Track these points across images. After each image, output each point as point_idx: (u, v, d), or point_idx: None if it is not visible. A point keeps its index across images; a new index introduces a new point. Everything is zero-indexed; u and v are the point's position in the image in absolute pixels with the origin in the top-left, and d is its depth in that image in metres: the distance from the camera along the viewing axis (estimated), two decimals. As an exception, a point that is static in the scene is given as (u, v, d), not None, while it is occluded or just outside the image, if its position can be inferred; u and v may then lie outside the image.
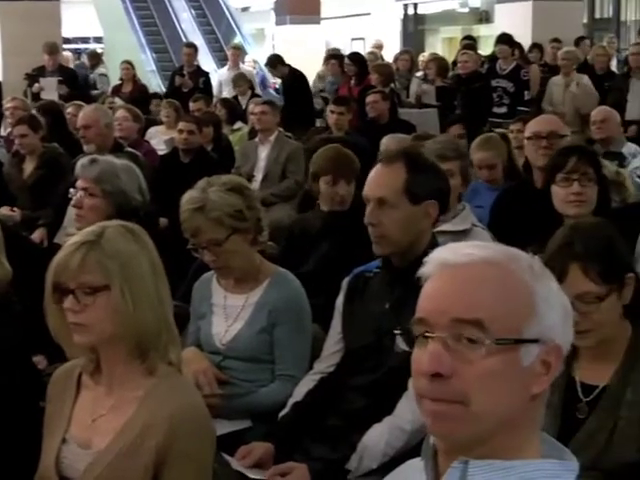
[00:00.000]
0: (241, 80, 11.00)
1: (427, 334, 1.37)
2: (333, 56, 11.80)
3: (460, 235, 3.80)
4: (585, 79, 9.49)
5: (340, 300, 3.05)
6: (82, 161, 3.94)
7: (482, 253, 1.40)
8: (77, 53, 19.02)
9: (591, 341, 2.38)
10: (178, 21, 19.78)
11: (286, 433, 2.92)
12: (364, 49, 15.17)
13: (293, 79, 11.15)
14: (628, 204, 4.55)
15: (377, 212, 2.83)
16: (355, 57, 10.75)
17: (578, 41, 11.95)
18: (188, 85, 11.04)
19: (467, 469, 1.36)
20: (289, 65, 11.11)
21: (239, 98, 10.69)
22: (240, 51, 13.31)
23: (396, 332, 1.40)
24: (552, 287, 1.40)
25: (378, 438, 2.72)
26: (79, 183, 3.81)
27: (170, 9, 20.01)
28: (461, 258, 1.39)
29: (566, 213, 3.49)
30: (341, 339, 3.02)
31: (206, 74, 11.90)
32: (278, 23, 18.48)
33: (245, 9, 23.40)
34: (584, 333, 2.35)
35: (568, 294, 2.22)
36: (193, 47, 11.93)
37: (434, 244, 2.76)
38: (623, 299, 2.39)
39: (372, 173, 2.93)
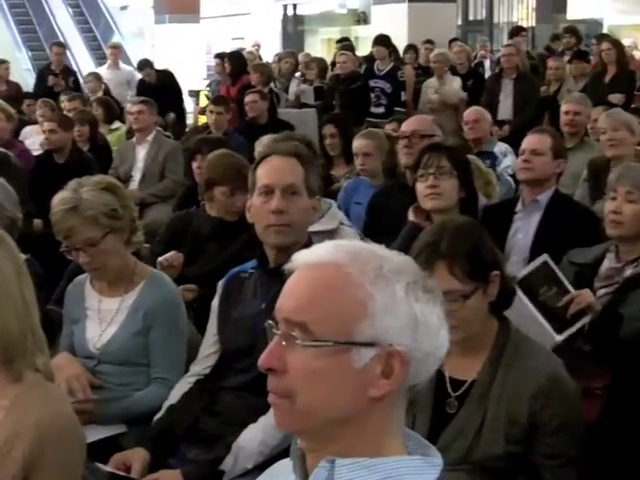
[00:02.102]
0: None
1: (273, 330, 1.42)
2: (219, 55, 11.77)
3: (329, 234, 3.84)
4: (457, 81, 9.69)
5: (216, 302, 3.04)
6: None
7: (328, 255, 1.41)
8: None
9: (456, 337, 2.39)
10: (54, 19, 19.38)
11: (161, 437, 2.89)
12: (244, 49, 15.15)
13: (164, 79, 11.10)
14: (497, 202, 4.68)
15: (285, 199, 2.81)
16: (233, 56, 10.72)
17: (451, 43, 12.19)
18: (60, 85, 10.87)
19: (334, 468, 1.38)
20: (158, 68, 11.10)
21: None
22: (119, 50, 13.11)
23: (266, 324, 1.41)
24: (397, 293, 1.38)
25: (253, 437, 2.72)
26: None
27: (46, 6, 19.59)
28: (310, 259, 1.42)
29: (426, 207, 3.58)
30: (217, 341, 3.01)
31: (74, 73, 11.76)
32: (157, 22, 18.29)
33: (124, 7, 23.04)
34: (450, 329, 2.39)
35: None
36: (62, 46, 11.91)
37: (309, 243, 2.78)
38: (489, 296, 2.44)
39: (269, 165, 2.88)
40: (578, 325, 3.10)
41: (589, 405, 2.55)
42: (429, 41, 11.82)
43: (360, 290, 1.37)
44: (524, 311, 3.05)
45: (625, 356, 2.49)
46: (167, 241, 4.36)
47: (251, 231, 2.94)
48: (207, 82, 11.53)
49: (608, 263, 3.24)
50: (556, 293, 3.09)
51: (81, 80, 11.85)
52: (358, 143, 5.43)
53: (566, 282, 3.11)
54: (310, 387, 1.37)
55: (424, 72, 10.78)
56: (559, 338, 3.05)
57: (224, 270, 3.13)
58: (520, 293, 2.95)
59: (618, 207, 3.17)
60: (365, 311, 1.37)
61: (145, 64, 11.56)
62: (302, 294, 1.39)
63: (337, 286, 1.38)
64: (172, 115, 10.67)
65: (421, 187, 3.64)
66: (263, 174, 2.86)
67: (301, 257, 1.43)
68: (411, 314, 1.39)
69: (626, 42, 12.64)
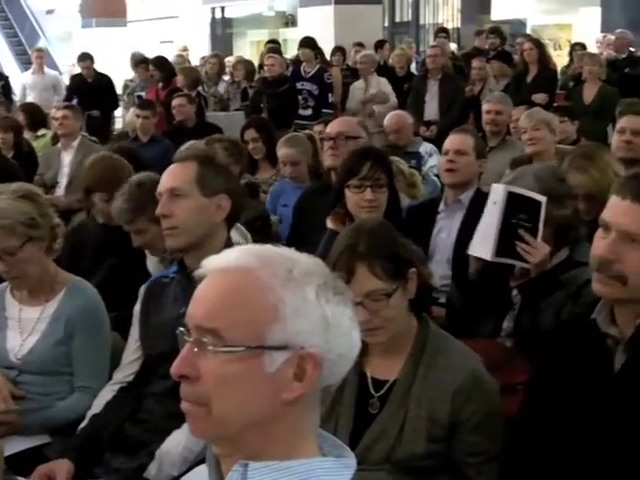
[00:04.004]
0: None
1: (185, 337, 1.40)
2: (142, 61, 11.66)
3: None
4: (383, 82, 9.76)
5: (137, 307, 3.03)
6: None
7: (237, 259, 1.41)
8: None
9: (383, 337, 2.45)
10: (-22, 22, 19.07)
11: (85, 447, 2.85)
12: (173, 52, 15.06)
13: (101, 80, 11.00)
14: (421, 202, 4.73)
15: (169, 203, 2.87)
16: (158, 61, 10.67)
17: (378, 44, 12.28)
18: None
19: (247, 472, 1.38)
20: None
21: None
22: (44, 54, 12.94)
23: (178, 331, 1.40)
24: (308, 295, 1.39)
25: (176, 444, 2.71)
26: None
27: (-31, 10, 19.27)
28: (220, 264, 1.41)
29: (359, 217, 3.57)
30: (139, 347, 3.00)
31: (5, 78, 11.54)
32: (84, 26, 18.10)
33: (50, 11, 22.74)
34: (375, 330, 2.42)
35: (357, 294, 2.32)
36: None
37: (229, 245, 2.78)
38: (409, 293, 2.47)
39: (165, 171, 2.97)
40: (511, 263, 3.13)
41: (511, 401, 2.58)
42: (359, 43, 11.90)
43: (270, 294, 1.37)
44: (490, 217, 3.14)
45: (543, 344, 2.53)
46: (69, 256, 4.21)
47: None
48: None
49: None
50: (527, 229, 3.11)
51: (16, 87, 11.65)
52: (284, 152, 5.44)
53: (541, 231, 3.13)
54: (224, 393, 1.37)
55: (352, 74, 10.85)
56: (491, 258, 3.11)
57: (130, 276, 3.11)
58: (501, 200, 3.03)
59: None
60: (276, 315, 1.37)
61: (86, 57, 11.36)
62: (212, 300, 1.39)
63: (247, 290, 1.38)
64: (95, 112, 10.52)
65: (357, 198, 3.59)
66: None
67: (211, 262, 1.43)
68: (322, 316, 1.39)
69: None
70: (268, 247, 1.47)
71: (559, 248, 3.19)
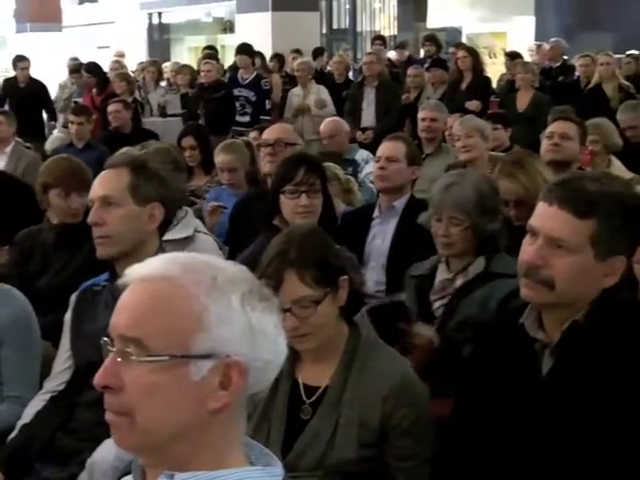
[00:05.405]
0: None
1: (108, 347, 1.39)
2: (79, 66, 11.53)
3: (183, 243, 3.82)
4: (322, 89, 9.79)
5: (68, 316, 3.00)
6: None
7: (160, 268, 1.40)
8: None
9: (312, 344, 2.46)
10: None
11: (15, 457, 2.82)
12: (110, 57, 14.93)
13: (34, 86, 10.85)
14: (356, 208, 4.76)
15: (101, 211, 2.85)
16: (91, 67, 10.57)
17: (317, 52, 12.31)
18: None
19: None
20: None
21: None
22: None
23: (101, 341, 1.39)
24: (232, 303, 1.38)
25: (108, 453, 2.68)
26: None
27: None
28: (143, 272, 1.40)
29: (294, 223, 3.57)
30: (70, 356, 2.96)
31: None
32: (18, 31, 17.83)
33: (-18, 16, 22.37)
34: (304, 337, 2.43)
35: (285, 300, 2.33)
36: None
37: (161, 251, 2.77)
38: (339, 301, 2.47)
39: (97, 178, 2.95)
40: None
41: (443, 404, 2.60)
42: (297, 50, 11.92)
43: (194, 302, 1.36)
44: None
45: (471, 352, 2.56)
46: (19, 261, 4.19)
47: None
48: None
49: (440, 275, 3.33)
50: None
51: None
52: (222, 158, 5.42)
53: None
54: (148, 403, 1.36)
55: (291, 81, 10.85)
56: None
57: (78, 279, 3.09)
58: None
59: (445, 232, 3.26)
60: (200, 323, 1.36)
61: (22, 58, 11.10)
62: (135, 309, 1.38)
63: (170, 299, 1.37)
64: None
65: (291, 204, 3.58)
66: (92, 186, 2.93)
67: (134, 271, 1.42)
68: (247, 323, 1.38)
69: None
70: (192, 255, 1.46)
71: (476, 257, 3.25)
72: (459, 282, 3.25)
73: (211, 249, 3.86)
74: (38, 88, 10.98)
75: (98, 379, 1.38)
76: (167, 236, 3.66)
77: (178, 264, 1.41)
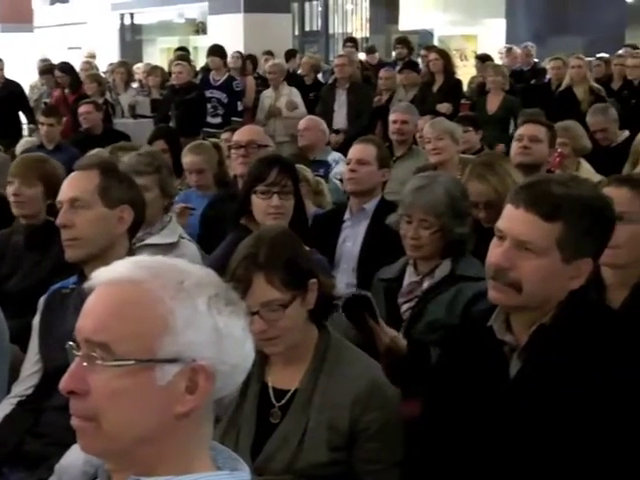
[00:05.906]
0: None
1: (74, 352, 1.39)
2: (50, 68, 11.45)
3: (167, 248, 3.80)
4: (294, 91, 9.79)
5: (37, 319, 2.98)
6: None
7: (127, 271, 1.40)
8: None
9: (280, 348, 2.46)
10: None
11: (-17, 462, 2.80)
12: (81, 58, 14.84)
13: (10, 87, 10.77)
14: (327, 211, 4.76)
15: (69, 213, 2.84)
16: (65, 67, 10.50)
17: (289, 54, 12.31)
18: None
19: None
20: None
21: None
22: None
23: (67, 346, 1.38)
24: (199, 307, 1.38)
25: (76, 457, 2.66)
26: None
27: None
28: (109, 276, 1.40)
29: (264, 224, 3.57)
30: (39, 359, 2.95)
31: None
32: (-10, 31, 17.70)
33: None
34: (272, 340, 2.42)
35: (253, 303, 2.32)
36: None
37: (132, 254, 2.75)
38: (307, 304, 2.47)
39: (66, 179, 2.94)
40: None
41: (413, 405, 2.60)
42: (269, 52, 11.90)
43: (160, 306, 1.36)
44: None
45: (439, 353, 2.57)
46: None
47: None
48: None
49: (408, 277, 3.34)
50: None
51: None
52: (189, 159, 5.42)
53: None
54: (114, 408, 1.35)
55: (263, 82, 10.84)
56: None
57: (47, 281, 3.07)
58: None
59: (415, 234, 3.27)
60: (166, 327, 1.36)
61: None
62: (101, 313, 1.38)
63: (136, 303, 1.37)
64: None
65: (263, 204, 3.56)
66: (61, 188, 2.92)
67: (100, 275, 1.42)
68: (214, 327, 1.38)
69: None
70: (158, 259, 1.46)
71: (442, 259, 3.26)
72: (426, 285, 3.26)
73: (194, 255, 3.85)
74: (14, 89, 10.90)
75: (64, 384, 1.38)
76: (153, 240, 3.68)
77: (144, 268, 1.40)
